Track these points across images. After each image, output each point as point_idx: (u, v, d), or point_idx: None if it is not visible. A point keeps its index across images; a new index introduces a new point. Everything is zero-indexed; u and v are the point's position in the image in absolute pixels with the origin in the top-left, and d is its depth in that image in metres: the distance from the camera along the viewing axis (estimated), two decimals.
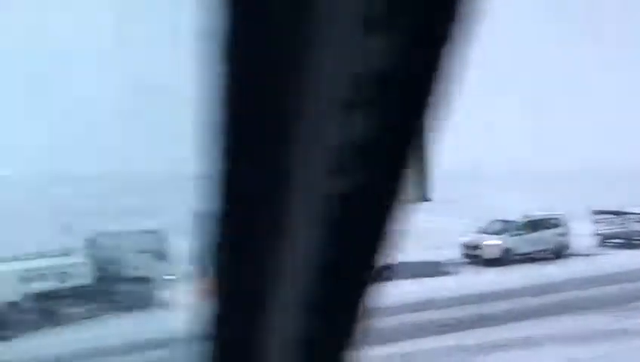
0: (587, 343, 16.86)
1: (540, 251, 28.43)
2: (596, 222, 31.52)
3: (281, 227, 0.96)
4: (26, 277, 19.04)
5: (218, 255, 1.06)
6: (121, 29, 60.44)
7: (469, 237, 28.66)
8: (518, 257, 27.76)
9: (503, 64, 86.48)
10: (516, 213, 29.67)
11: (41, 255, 20.41)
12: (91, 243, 21.73)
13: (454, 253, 28.00)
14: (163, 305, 21.60)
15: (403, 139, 0.91)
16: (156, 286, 21.86)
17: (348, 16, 0.78)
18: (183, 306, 21.85)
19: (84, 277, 20.24)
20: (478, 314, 19.83)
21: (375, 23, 0.79)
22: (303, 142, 0.87)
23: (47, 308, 19.37)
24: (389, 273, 1.05)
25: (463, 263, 27.64)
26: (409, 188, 0.94)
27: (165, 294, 22.07)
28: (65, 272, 19.87)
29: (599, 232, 31.25)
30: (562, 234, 29.61)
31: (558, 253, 28.98)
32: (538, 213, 30.13)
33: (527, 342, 17.14)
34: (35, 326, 18.61)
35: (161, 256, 22.21)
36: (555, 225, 29.67)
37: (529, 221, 29.30)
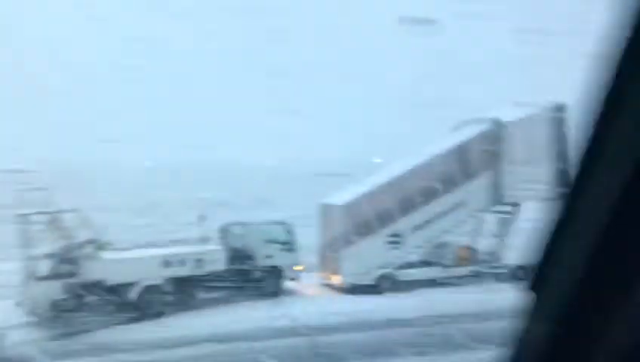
0: None
1: None
2: None
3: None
4: (167, 262, 20.15)
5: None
6: None
7: None
8: None
9: None
10: None
11: (180, 242, 21.50)
12: (224, 233, 22.60)
13: None
14: (291, 294, 22.12)
15: None
16: (285, 276, 22.39)
17: None
18: (309, 297, 22.30)
19: (218, 264, 21.01)
20: None
21: None
22: None
23: (184, 292, 20.44)
24: None
25: None
26: None
27: (293, 284, 22.62)
28: (201, 259, 20.65)
29: None
30: None
31: None
32: None
33: None
34: (174, 309, 19.74)
35: (289, 246, 22.68)
36: None
37: None
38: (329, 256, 23.24)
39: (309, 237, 23.37)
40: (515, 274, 23.57)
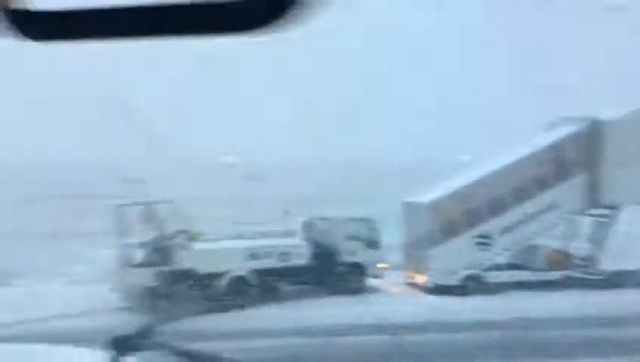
0: None
1: None
2: None
3: None
4: (253, 254, 20.49)
5: None
6: None
7: None
8: None
9: None
10: None
11: (265, 234, 21.78)
12: (308, 227, 22.72)
13: None
14: (375, 292, 21.93)
15: None
16: (368, 273, 22.23)
17: None
18: (394, 295, 22.04)
19: (301, 258, 21.14)
20: None
21: None
22: None
23: (268, 284, 20.71)
24: None
25: None
26: None
27: (377, 282, 22.41)
28: (285, 253, 20.87)
29: None
30: None
31: None
32: None
33: None
34: (258, 300, 20.04)
35: (373, 243, 22.49)
36: None
37: None
38: (414, 255, 22.88)
39: (392, 235, 23.09)
40: (612, 281, 22.38)
